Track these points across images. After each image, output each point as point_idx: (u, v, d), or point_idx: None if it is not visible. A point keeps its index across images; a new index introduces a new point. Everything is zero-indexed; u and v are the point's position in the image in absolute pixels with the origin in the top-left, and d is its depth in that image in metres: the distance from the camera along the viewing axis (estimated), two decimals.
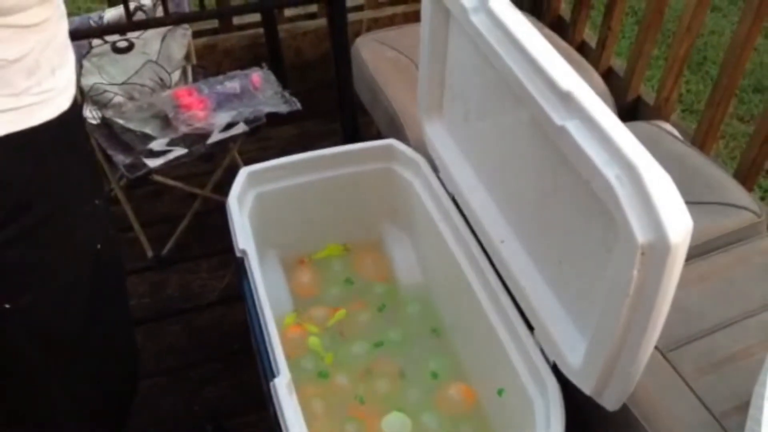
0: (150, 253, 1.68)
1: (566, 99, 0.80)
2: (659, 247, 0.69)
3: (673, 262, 0.70)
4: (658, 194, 0.69)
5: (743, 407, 0.90)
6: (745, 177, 1.41)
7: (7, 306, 0.79)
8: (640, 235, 0.69)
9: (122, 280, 1.04)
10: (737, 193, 1.22)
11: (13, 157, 0.74)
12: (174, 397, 1.42)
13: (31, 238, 0.78)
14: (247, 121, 1.51)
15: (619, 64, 1.76)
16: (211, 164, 1.66)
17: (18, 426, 1.00)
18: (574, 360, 0.86)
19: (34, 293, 0.82)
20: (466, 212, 1.12)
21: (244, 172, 1.20)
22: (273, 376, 0.91)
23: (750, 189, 1.41)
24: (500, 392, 1.03)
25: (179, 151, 1.45)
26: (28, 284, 0.81)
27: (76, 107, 0.83)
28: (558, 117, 0.80)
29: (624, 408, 0.88)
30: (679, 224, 0.69)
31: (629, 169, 0.71)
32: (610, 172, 0.72)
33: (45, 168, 0.78)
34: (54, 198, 0.80)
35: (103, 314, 0.95)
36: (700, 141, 1.53)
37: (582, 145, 0.76)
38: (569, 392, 0.89)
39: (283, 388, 0.90)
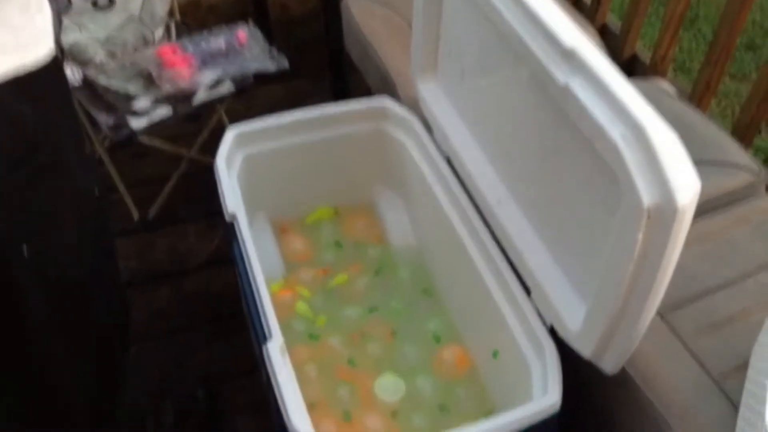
0: (136, 216, 1.65)
1: (569, 56, 0.77)
2: (666, 210, 0.67)
3: (680, 225, 0.68)
4: (666, 154, 0.67)
5: (742, 368, 0.90)
6: (743, 136, 1.39)
7: (26, 250, 0.82)
8: (647, 197, 0.67)
9: (112, 234, 1.09)
10: (735, 152, 1.21)
11: (20, 98, 0.76)
12: (164, 361, 1.41)
13: (41, 183, 0.81)
14: (233, 80, 1.47)
15: (614, 21, 1.72)
16: (197, 124, 1.62)
17: (13, 379, 0.98)
18: (573, 323, 0.85)
19: (47, 238, 0.85)
20: (461, 174, 1.09)
21: (231, 132, 1.16)
22: (265, 339, 0.89)
23: (747, 148, 1.40)
24: (495, 354, 1.02)
25: (164, 111, 1.41)
26: (43, 229, 0.84)
27: (58, 59, 0.84)
28: (561, 75, 0.77)
29: (621, 370, 0.87)
30: (687, 186, 0.66)
31: (636, 129, 0.68)
32: (616, 132, 0.70)
33: (46, 111, 0.81)
34: (56, 142, 0.84)
35: (102, 263, 0.99)
36: (697, 99, 1.50)
37: (586, 104, 0.73)
38: (566, 354, 0.88)
39: (276, 351, 0.88)
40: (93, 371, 1.04)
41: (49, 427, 1.04)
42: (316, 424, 0.86)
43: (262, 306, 0.92)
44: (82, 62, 1.45)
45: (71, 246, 0.90)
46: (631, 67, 1.67)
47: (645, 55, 1.65)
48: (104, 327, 1.06)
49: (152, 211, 1.65)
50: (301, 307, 1.17)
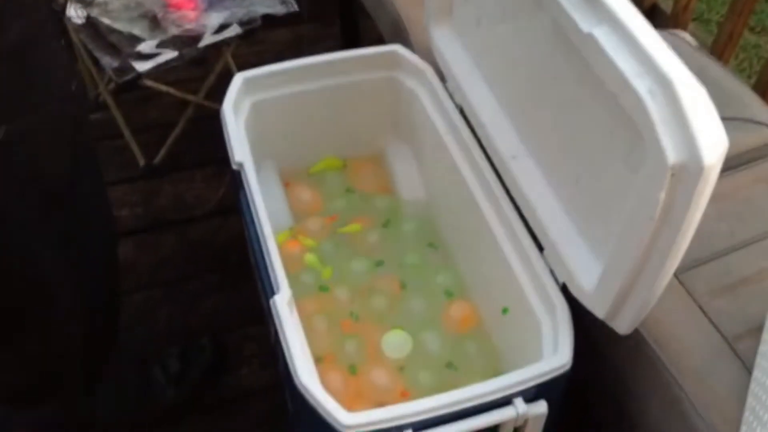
0: (142, 162, 1.62)
1: (594, 2, 0.73)
2: (692, 169, 0.64)
3: (705, 185, 0.65)
4: (695, 111, 0.64)
5: (756, 331, 0.89)
6: (764, 91, 1.35)
7: (4, 129, 0.81)
8: (672, 155, 0.64)
9: (99, 167, 1.08)
10: (758, 108, 1.17)
11: None
12: (169, 310, 1.40)
13: (15, 60, 0.81)
14: (240, 23, 1.42)
15: None
16: (204, 69, 1.58)
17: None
18: (587, 283, 0.83)
19: (26, 120, 0.84)
20: (474, 125, 1.06)
21: (239, 78, 1.13)
22: (273, 293, 0.88)
23: None
24: (505, 311, 1.00)
25: (169, 54, 1.38)
26: (21, 107, 0.84)
27: None
28: (585, 23, 0.73)
29: (634, 330, 0.86)
30: (714, 144, 0.64)
31: (664, 83, 0.65)
32: (642, 86, 0.67)
33: None
34: (26, 23, 0.83)
35: (84, 172, 0.99)
36: (718, 52, 1.46)
37: (611, 54, 0.70)
38: (577, 312, 0.87)
39: (284, 305, 0.86)
40: (87, 298, 1.04)
41: (45, 371, 1.03)
42: (322, 376, 0.85)
43: (270, 258, 0.91)
44: (86, 2, 1.41)
45: (53, 136, 0.90)
46: (651, 18, 1.62)
47: (666, 5, 1.60)
48: (95, 246, 1.06)
49: (158, 157, 1.62)
50: (309, 258, 1.15)
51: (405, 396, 1.00)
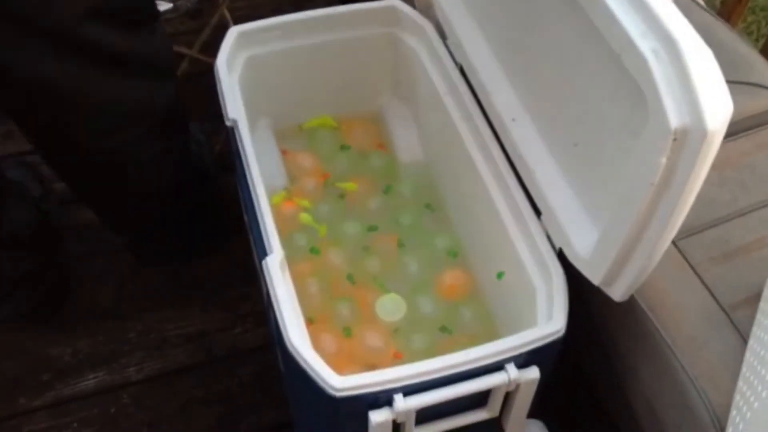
0: None
1: None
2: (695, 133, 0.62)
3: (708, 150, 0.63)
4: (700, 73, 0.61)
5: (753, 299, 0.87)
6: None
7: None
8: (675, 118, 0.62)
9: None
10: (765, 72, 1.14)
11: None
12: (163, 271, 1.39)
13: None
14: None
15: None
16: (199, 21, 1.55)
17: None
18: (583, 249, 0.81)
19: None
20: (474, 85, 1.03)
21: (233, 32, 1.09)
22: (265, 254, 0.87)
23: None
24: (500, 275, 0.99)
25: (164, 6, 1.35)
26: None
27: None
28: None
29: (629, 297, 0.85)
30: (719, 109, 0.61)
31: (669, 43, 0.63)
32: (646, 46, 0.64)
33: None
34: None
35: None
36: (727, 13, 1.42)
37: (615, 11, 0.67)
38: (572, 277, 0.86)
39: (276, 266, 0.85)
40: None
41: None
42: (315, 338, 0.84)
43: (263, 219, 0.89)
44: None
45: None
46: None
47: None
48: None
49: None
50: (304, 217, 1.14)
51: (398, 358, 1.00)
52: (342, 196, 1.17)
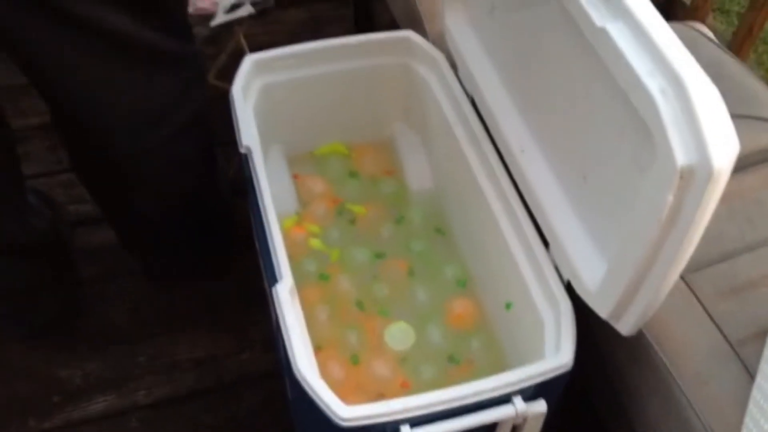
0: None
1: None
2: (701, 172, 0.63)
3: (714, 189, 0.64)
4: (707, 113, 0.62)
5: (761, 335, 0.88)
6: None
7: None
8: (681, 156, 0.63)
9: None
10: None
11: None
12: (175, 289, 1.40)
13: None
14: (253, 3, 1.41)
15: None
16: (216, 48, 1.57)
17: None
18: (591, 282, 0.82)
19: None
20: (484, 116, 1.04)
21: (249, 60, 1.12)
22: (275, 281, 0.88)
23: None
24: (508, 306, 1.00)
25: None
26: None
27: None
28: (598, 17, 0.72)
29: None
30: (725, 148, 0.62)
31: (676, 83, 0.64)
32: (654, 84, 0.65)
33: None
34: None
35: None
36: (737, 46, 1.43)
37: (624, 50, 0.68)
38: (579, 309, 0.86)
39: (286, 294, 0.86)
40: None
41: None
42: (323, 366, 0.85)
43: (274, 245, 0.90)
44: None
45: None
46: (670, 9, 1.59)
47: None
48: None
49: None
50: (314, 243, 1.15)
51: (405, 387, 1.00)
52: (353, 222, 1.18)
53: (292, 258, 0.91)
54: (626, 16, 0.70)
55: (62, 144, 1.11)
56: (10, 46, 0.92)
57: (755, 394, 0.79)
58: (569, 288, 0.87)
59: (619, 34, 0.70)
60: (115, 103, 1.00)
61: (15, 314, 1.20)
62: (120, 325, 1.35)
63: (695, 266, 0.94)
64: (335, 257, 1.14)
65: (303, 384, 0.78)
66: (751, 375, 0.83)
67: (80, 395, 1.27)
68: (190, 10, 1.39)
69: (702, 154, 0.62)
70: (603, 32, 0.71)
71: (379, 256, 1.15)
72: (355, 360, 1.02)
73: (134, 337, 1.33)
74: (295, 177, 1.21)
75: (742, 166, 1.08)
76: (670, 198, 0.65)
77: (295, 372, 0.79)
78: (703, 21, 1.50)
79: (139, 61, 0.98)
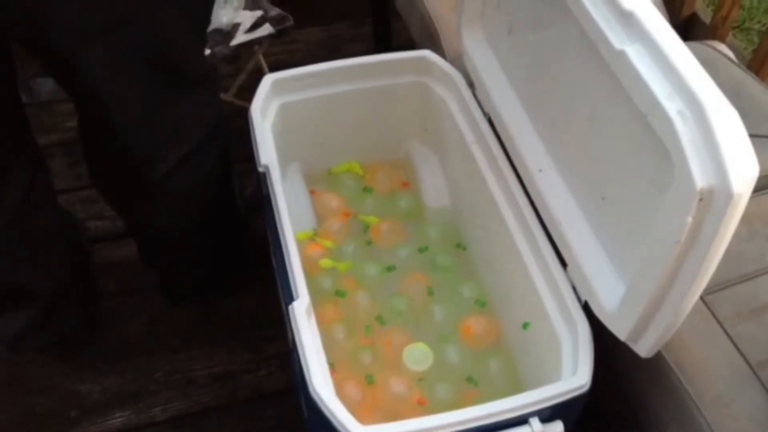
0: None
1: (628, 19, 0.71)
2: (720, 195, 0.62)
3: (734, 211, 0.63)
4: (725, 136, 0.62)
5: None
6: None
7: None
8: (700, 179, 0.63)
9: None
10: None
11: None
12: (192, 305, 1.41)
13: None
14: (273, 22, 1.42)
15: None
16: (235, 66, 1.59)
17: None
18: (610, 303, 0.81)
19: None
20: (502, 135, 1.05)
21: (268, 80, 1.13)
22: (291, 299, 0.88)
23: None
24: (525, 326, 0.99)
25: None
26: None
27: None
28: (617, 40, 0.72)
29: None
30: (744, 171, 0.62)
31: (695, 105, 0.64)
32: (673, 107, 0.65)
33: None
34: None
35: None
36: (757, 66, 1.42)
37: (642, 73, 0.68)
38: (597, 331, 0.85)
39: (302, 312, 0.86)
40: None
41: None
42: (338, 385, 0.85)
43: (290, 264, 0.90)
44: None
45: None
46: (689, 28, 1.59)
47: (706, 14, 1.56)
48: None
49: None
50: (325, 262, 1.15)
51: (422, 404, 1.00)
52: (369, 243, 1.19)
53: (308, 274, 0.91)
54: (645, 39, 0.70)
55: (85, 157, 1.12)
56: (70, 78, 0.93)
57: None
58: (586, 308, 0.87)
59: (637, 57, 0.70)
60: (153, 124, 1.01)
61: (33, 327, 1.21)
62: (137, 340, 1.35)
63: (715, 287, 0.93)
64: (344, 269, 1.13)
65: (318, 403, 0.78)
66: None
67: (97, 410, 1.27)
68: (210, 29, 1.41)
69: (721, 177, 0.62)
70: (622, 55, 0.71)
71: (390, 269, 1.15)
72: (369, 379, 1.02)
73: (152, 352, 1.34)
74: (311, 191, 1.22)
75: (762, 186, 1.07)
76: (689, 219, 0.65)
77: (311, 390, 0.79)
78: (722, 40, 1.50)
79: (172, 83, 0.99)
